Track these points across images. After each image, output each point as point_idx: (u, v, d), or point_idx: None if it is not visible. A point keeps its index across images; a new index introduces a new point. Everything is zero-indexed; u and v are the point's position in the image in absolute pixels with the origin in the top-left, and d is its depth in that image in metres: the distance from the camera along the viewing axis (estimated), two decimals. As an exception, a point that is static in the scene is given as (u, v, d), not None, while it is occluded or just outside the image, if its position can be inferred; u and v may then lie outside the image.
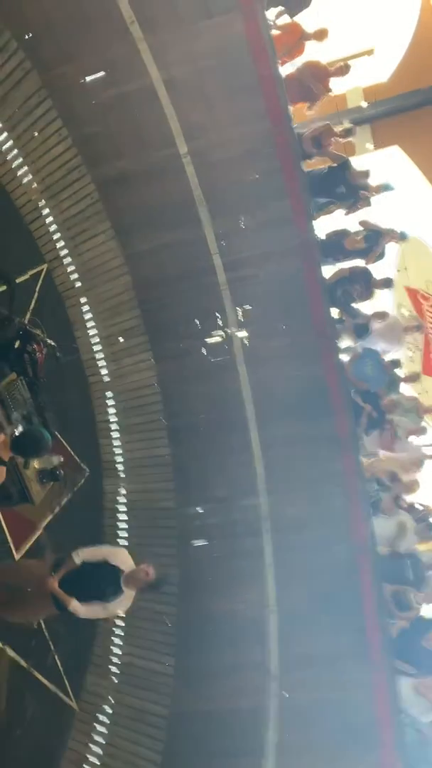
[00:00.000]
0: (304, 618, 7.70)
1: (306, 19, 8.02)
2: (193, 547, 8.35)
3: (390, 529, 8.03)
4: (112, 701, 7.81)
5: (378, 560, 7.61)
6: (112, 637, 8.03)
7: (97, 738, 7.57)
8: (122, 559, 5.62)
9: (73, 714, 7.50)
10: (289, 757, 7.30)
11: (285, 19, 7.90)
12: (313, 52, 8.02)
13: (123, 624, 8.08)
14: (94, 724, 7.61)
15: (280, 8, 7.87)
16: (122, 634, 8.06)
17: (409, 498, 8.44)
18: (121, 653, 8.01)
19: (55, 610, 5.62)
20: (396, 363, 8.60)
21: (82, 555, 5.47)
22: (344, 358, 8.22)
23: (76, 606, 5.41)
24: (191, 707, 7.73)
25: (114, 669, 7.94)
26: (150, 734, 7.71)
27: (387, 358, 8.84)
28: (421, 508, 8.53)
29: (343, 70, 8.10)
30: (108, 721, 7.71)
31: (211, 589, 8.14)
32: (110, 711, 7.77)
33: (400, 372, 8.96)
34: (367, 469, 8.16)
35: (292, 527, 8.02)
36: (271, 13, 7.62)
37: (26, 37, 7.29)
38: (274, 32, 7.58)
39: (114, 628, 8.05)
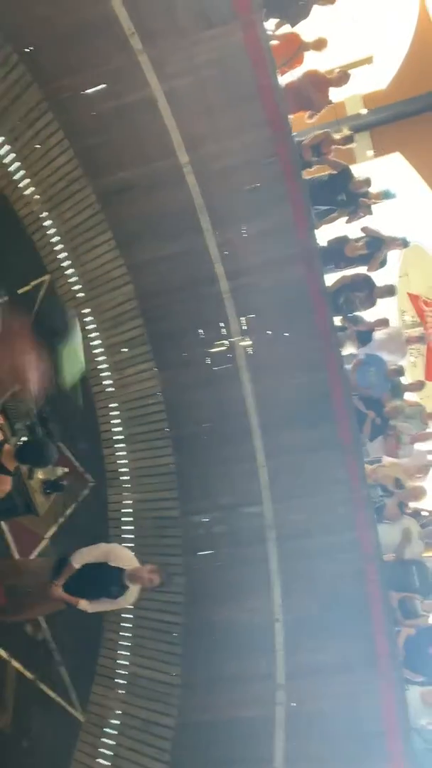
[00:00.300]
0: (310, 626, 7.67)
1: (305, 29, 8.07)
2: (198, 556, 8.33)
3: (395, 535, 8.01)
4: (119, 712, 7.77)
5: (384, 567, 7.58)
6: (118, 648, 8.00)
7: (103, 750, 7.52)
8: (122, 557, 5.64)
9: (80, 726, 7.47)
10: (297, 767, 7.26)
11: (285, 29, 7.94)
12: (312, 62, 8.07)
13: (129, 635, 8.05)
14: (101, 735, 7.57)
15: (280, 19, 7.92)
16: (128, 644, 8.03)
17: (414, 504, 8.42)
18: (127, 664, 7.97)
19: (62, 605, 5.66)
20: (399, 370, 8.60)
21: (80, 559, 5.51)
22: (347, 365, 8.22)
23: (84, 605, 5.55)
24: (198, 717, 7.70)
25: (120, 680, 7.90)
26: (157, 745, 7.67)
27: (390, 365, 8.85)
28: (426, 514, 8.51)
29: (342, 79, 8.15)
30: (114, 733, 7.67)
31: (217, 597, 8.11)
32: (116, 722, 7.73)
33: (404, 379, 8.95)
34: (370, 476, 8.14)
35: (297, 535, 8.00)
36: (270, 24, 7.67)
37: (27, 50, 7.35)
38: (274, 42, 7.62)
39: (120, 640, 8.02)
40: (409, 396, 9.06)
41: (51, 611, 6.29)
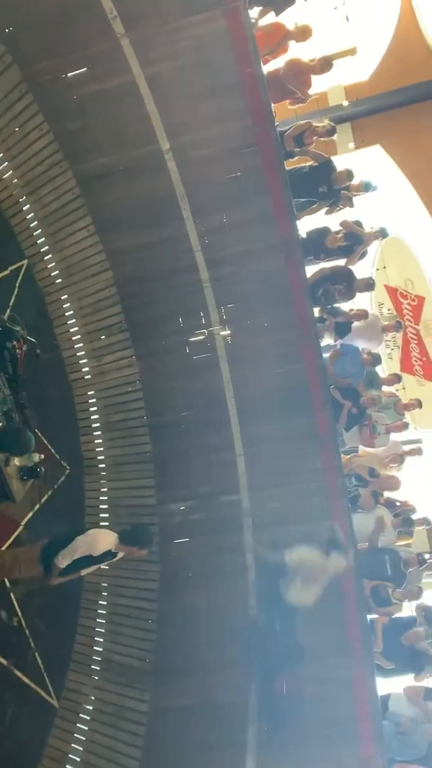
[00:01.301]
0: (284, 614, 7.75)
1: (289, 19, 8.03)
2: (175, 543, 8.36)
3: (368, 524, 8.12)
4: (93, 698, 7.81)
5: (357, 556, 7.69)
6: (93, 635, 8.02)
7: (77, 735, 7.56)
8: (103, 543, 5.69)
9: (54, 712, 7.49)
10: (269, 751, 7.35)
11: (270, 17, 7.90)
12: (296, 52, 8.04)
13: (104, 621, 8.08)
14: (75, 721, 7.60)
15: (264, 6, 7.87)
16: (103, 631, 8.06)
17: (387, 494, 8.53)
18: (102, 650, 8.00)
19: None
20: (377, 358, 8.68)
21: (65, 560, 5.56)
22: (324, 355, 8.27)
23: (85, 571, 5.89)
24: (172, 703, 7.75)
25: (95, 666, 7.93)
26: (130, 730, 7.72)
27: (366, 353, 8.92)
28: (399, 503, 8.63)
29: (324, 66, 8.11)
30: (88, 718, 7.70)
31: (192, 585, 8.16)
32: (91, 708, 7.76)
33: (381, 369, 9.04)
34: (346, 465, 8.24)
35: (273, 523, 8.06)
36: (255, 12, 7.63)
37: (7, 30, 7.22)
38: (258, 31, 7.58)
39: (95, 626, 8.04)
40: (385, 387, 9.16)
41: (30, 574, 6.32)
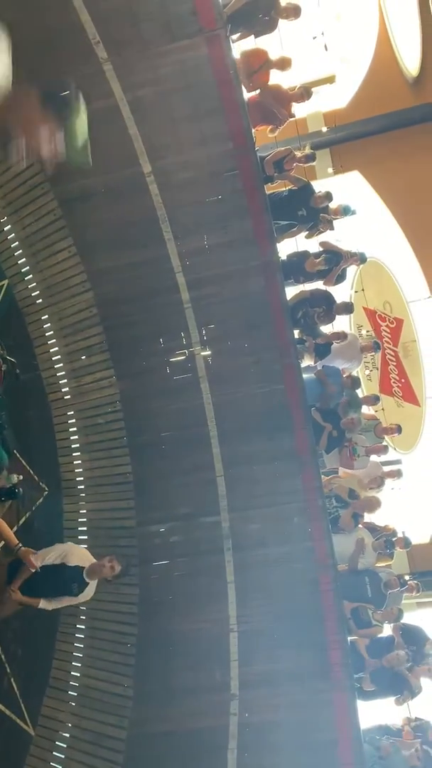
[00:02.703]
0: (264, 636, 7.70)
1: (270, 48, 8.20)
2: (154, 565, 8.29)
3: (348, 546, 8.12)
4: (70, 725, 7.65)
5: (338, 577, 7.68)
6: (71, 660, 7.89)
7: (54, 764, 7.39)
8: (79, 556, 5.65)
9: (30, 739, 7.32)
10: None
11: (249, 40, 8.05)
12: (276, 78, 8.20)
13: (82, 646, 7.95)
14: (51, 749, 7.43)
15: (244, 31, 8.03)
16: (81, 656, 7.92)
17: (367, 516, 8.55)
18: (79, 675, 7.86)
19: (18, 606, 5.64)
20: (356, 381, 8.75)
21: (38, 561, 5.49)
22: (305, 376, 8.32)
23: (45, 604, 5.64)
24: (151, 729, 7.63)
25: (72, 692, 7.78)
26: (108, 758, 7.57)
27: (346, 374, 9.00)
28: (379, 527, 8.65)
29: (304, 95, 8.29)
30: (65, 746, 7.55)
31: (172, 608, 8.08)
32: (68, 735, 7.61)
33: (360, 392, 9.11)
34: (326, 486, 8.25)
35: (253, 545, 8.03)
36: (235, 36, 7.77)
37: (-10, 53, 7.26)
38: (238, 56, 7.73)
39: (72, 651, 7.90)
40: (365, 409, 9.23)
41: (8, 614, 6.22)
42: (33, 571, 5.49)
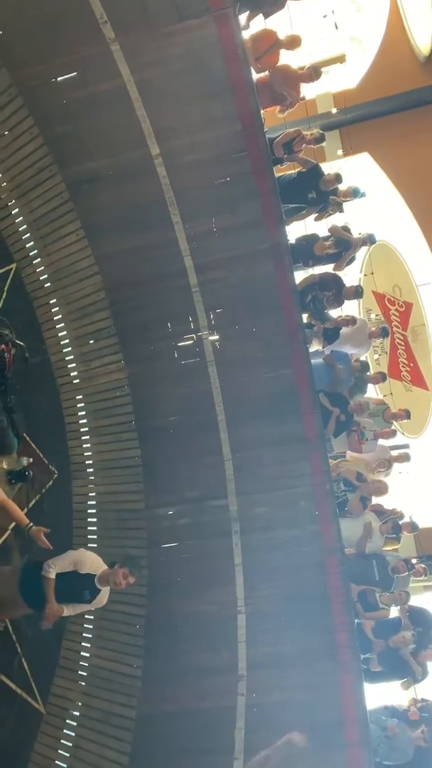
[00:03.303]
0: (272, 618, 7.76)
1: (279, 28, 8.09)
2: (162, 548, 8.35)
3: (356, 529, 8.15)
4: (80, 704, 7.76)
5: (345, 560, 7.71)
6: (80, 640, 7.98)
7: (64, 741, 7.51)
8: (91, 563, 5.64)
9: (41, 717, 7.44)
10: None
11: (259, 21, 7.95)
12: (285, 59, 8.09)
13: (91, 626, 8.04)
14: (62, 727, 7.55)
15: (253, 11, 7.92)
16: (90, 636, 8.02)
17: (375, 500, 8.57)
18: (89, 655, 7.96)
19: (27, 610, 5.67)
20: (365, 365, 8.72)
21: (53, 570, 5.48)
22: (313, 361, 8.30)
23: (68, 611, 5.59)
24: (159, 709, 7.73)
25: (82, 672, 7.89)
26: (117, 736, 7.69)
27: (355, 359, 8.97)
28: (387, 511, 8.67)
29: (313, 74, 8.19)
30: (75, 724, 7.66)
31: (180, 590, 8.15)
32: (77, 714, 7.72)
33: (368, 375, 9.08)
34: (333, 470, 8.27)
35: (261, 528, 8.08)
36: (244, 17, 7.67)
37: (-4, 34, 7.22)
38: (247, 36, 7.63)
39: (82, 632, 8.00)
40: (374, 394, 9.20)
41: (16, 615, 6.29)
42: (53, 578, 5.44)
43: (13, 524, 7.15)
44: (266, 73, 8.02)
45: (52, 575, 5.44)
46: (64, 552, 5.64)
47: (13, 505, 5.54)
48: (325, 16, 10.72)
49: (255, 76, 7.68)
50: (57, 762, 7.37)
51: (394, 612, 8.04)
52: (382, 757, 7.29)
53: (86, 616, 7.96)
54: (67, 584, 5.47)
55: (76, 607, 5.59)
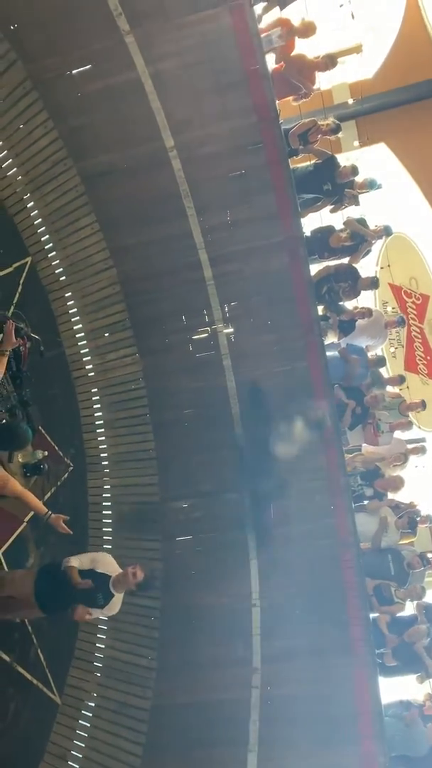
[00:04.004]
0: (286, 611, 7.76)
1: (294, 16, 8.01)
2: (177, 541, 8.37)
3: (372, 524, 8.11)
4: (95, 695, 7.82)
5: (360, 554, 7.68)
6: (96, 632, 8.03)
7: (79, 732, 7.57)
8: (108, 564, 5.66)
9: (56, 708, 7.50)
10: (271, 749, 7.37)
11: (275, 12, 7.87)
12: (300, 48, 8.01)
13: (106, 618, 8.07)
14: (77, 718, 7.61)
15: (269, 2, 7.86)
16: (105, 628, 8.07)
17: (392, 495, 8.51)
18: (104, 647, 8.02)
19: (40, 613, 5.69)
20: (381, 359, 8.66)
21: (75, 561, 5.51)
22: (328, 354, 8.26)
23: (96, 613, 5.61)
24: (174, 701, 7.77)
25: (97, 663, 7.94)
26: (132, 727, 7.74)
27: (371, 353, 8.91)
28: (403, 505, 8.61)
29: (328, 63, 8.09)
30: (91, 715, 7.72)
31: (195, 583, 8.17)
32: (93, 705, 7.78)
33: (384, 370, 9.02)
34: (349, 463, 8.23)
35: (276, 521, 8.06)
36: (259, 7, 7.61)
37: (11, 27, 7.22)
38: (263, 27, 7.57)
39: (97, 623, 8.04)
40: (389, 387, 9.14)
41: (30, 617, 6.32)
42: (75, 567, 5.48)
43: (29, 517, 7.21)
44: (281, 63, 7.94)
45: (73, 563, 5.50)
46: (84, 551, 5.68)
47: (30, 495, 5.57)
48: (341, 6, 10.59)
49: (270, 66, 7.61)
50: (72, 752, 7.43)
51: (410, 608, 8.00)
52: (398, 745, 7.27)
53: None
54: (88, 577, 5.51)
55: (92, 611, 5.58)
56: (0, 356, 5.32)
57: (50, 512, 5.45)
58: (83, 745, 7.53)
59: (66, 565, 5.51)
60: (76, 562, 5.56)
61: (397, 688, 7.99)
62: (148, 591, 5.78)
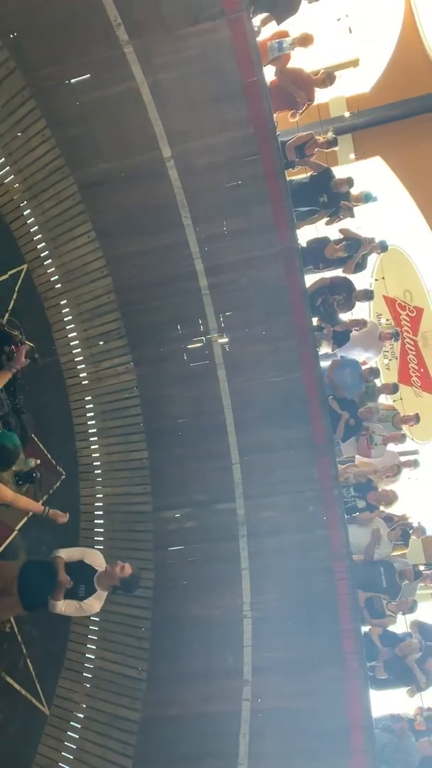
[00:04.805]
0: (278, 623, 7.72)
1: (292, 28, 8.08)
2: (169, 551, 8.33)
3: (364, 536, 8.10)
4: (84, 706, 7.75)
5: (353, 566, 7.67)
6: (85, 642, 7.97)
7: (67, 743, 7.50)
8: (96, 559, 5.66)
9: (45, 719, 7.43)
10: (260, 762, 7.31)
11: (272, 26, 7.94)
12: (299, 60, 8.09)
13: (96, 628, 8.03)
14: (66, 729, 7.54)
15: (267, 14, 7.92)
16: (95, 638, 8.01)
17: (384, 508, 8.50)
18: (93, 657, 7.95)
19: (21, 611, 5.66)
20: (375, 372, 8.68)
21: (63, 553, 5.53)
22: (323, 364, 8.27)
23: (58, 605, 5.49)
24: (164, 712, 7.70)
25: (86, 674, 7.87)
26: (121, 739, 7.66)
27: (366, 365, 8.93)
28: (396, 517, 8.61)
29: (327, 80, 8.18)
30: (79, 726, 7.64)
31: (186, 593, 8.13)
32: (82, 716, 7.70)
33: (379, 381, 9.04)
34: (341, 474, 8.22)
35: (268, 532, 8.04)
36: (257, 20, 7.67)
37: (11, 35, 7.25)
38: (261, 38, 7.62)
39: (87, 633, 7.99)
40: (383, 399, 9.15)
41: (9, 614, 6.27)
42: (62, 558, 5.48)
43: (21, 524, 7.18)
44: (279, 75, 8.00)
45: (62, 554, 5.53)
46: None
47: (22, 498, 5.60)
48: (339, 20, 10.70)
49: (268, 78, 7.66)
50: (60, 764, 7.35)
51: (402, 621, 7.98)
52: (389, 758, 7.22)
53: (91, 617, 7.96)
54: (68, 574, 5.49)
55: (69, 603, 5.52)
56: (6, 372, 5.54)
57: (47, 507, 5.56)
58: (71, 756, 7.45)
59: (54, 555, 5.51)
60: (64, 554, 5.57)
61: (387, 702, 7.95)
62: (131, 591, 5.70)
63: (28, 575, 5.61)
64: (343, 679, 7.32)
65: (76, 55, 7.35)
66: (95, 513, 8.40)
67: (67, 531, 8.02)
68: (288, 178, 7.93)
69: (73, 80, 7.49)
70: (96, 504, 8.43)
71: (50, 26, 7.19)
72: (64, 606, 5.47)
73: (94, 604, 5.56)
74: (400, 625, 8.06)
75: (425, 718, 7.64)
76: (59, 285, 8.29)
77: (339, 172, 8.83)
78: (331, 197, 8.23)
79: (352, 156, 11.36)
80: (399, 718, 7.68)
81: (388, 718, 7.67)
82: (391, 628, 7.85)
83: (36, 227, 8.08)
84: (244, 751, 7.30)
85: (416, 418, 9.08)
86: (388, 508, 8.39)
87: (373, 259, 10.47)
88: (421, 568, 8.59)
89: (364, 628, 7.64)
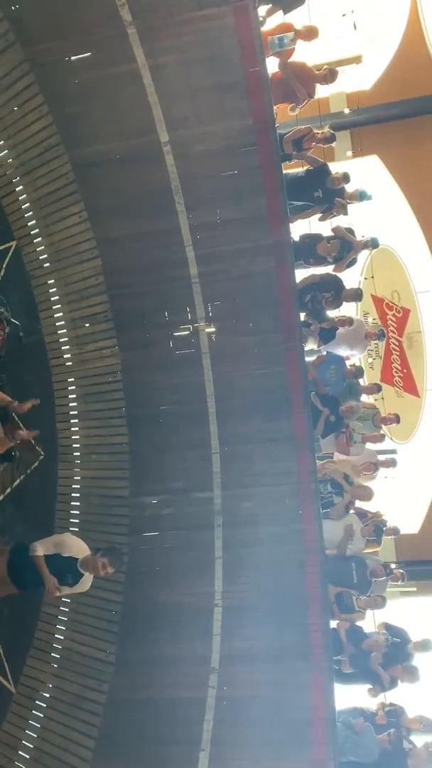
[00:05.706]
0: (248, 613, 7.78)
1: (297, 20, 8.03)
2: (144, 536, 8.35)
3: (338, 532, 8.17)
4: (51, 686, 7.77)
5: (325, 561, 7.74)
6: (56, 623, 7.98)
7: (32, 722, 7.52)
8: (73, 545, 5.67)
9: (11, 697, 7.44)
10: (223, 749, 7.39)
11: (278, 17, 7.89)
12: (302, 54, 8.05)
13: (67, 609, 8.04)
14: (31, 708, 7.56)
15: (272, 5, 7.87)
16: (65, 619, 8.02)
17: (358, 503, 8.58)
18: (63, 638, 7.97)
19: (14, 589, 5.70)
20: (359, 370, 8.73)
21: (40, 548, 5.54)
22: (307, 359, 8.30)
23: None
24: (130, 696, 7.75)
25: (55, 654, 7.89)
26: (86, 720, 7.71)
27: (350, 363, 8.98)
28: (370, 514, 8.69)
29: (328, 77, 8.16)
30: (45, 706, 7.67)
31: (158, 579, 8.16)
32: (48, 695, 7.73)
33: (362, 381, 9.10)
34: (319, 470, 8.27)
35: (244, 523, 8.09)
36: (263, 10, 7.62)
37: (12, 8, 7.13)
38: (265, 29, 7.57)
39: (58, 614, 8.00)
40: (365, 398, 9.21)
41: (1, 595, 6.29)
42: (41, 556, 5.54)
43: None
44: (281, 67, 7.96)
45: (39, 552, 5.57)
46: (49, 535, 5.73)
47: None
48: (344, 15, 10.65)
49: (270, 70, 7.62)
50: (24, 742, 7.38)
51: (370, 618, 8.08)
52: (348, 753, 7.34)
53: (62, 599, 7.96)
54: (50, 567, 5.52)
55: (63, 590, 5.63)
56: None
57: (14, 400, 5.84)
58: (35, 735, 7.49)
59: (33, 555, 5.55)
60: (41, 550, 5.60)
61: (352, 695, 8.06)
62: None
63: (16, 564, 5.67)
64: (309, 671, 7.40)
65: (78, 32, 7.25)
66: (72, 495, 8.39)
67: (43, 511, 8.03)
68: (284, 171, 7.90)
69: (73, 57, 7.39)
70: (73, 486, 8.41)
71: (53, 1, 7.09)
72: (61, 593, 5.66)
73: (86, 584, 5.75)
74: (368, 622, 8.15)
75: (386, 712, 7.75)
76: (48, 264, 8.21)
77: (335, 168, 8.82)
78: (326, 193, 8.23)
79: (349, 153, 11.35)
80: (361, 712, 7.79)
81: (350, 711, 7.78)
82: (359, 623, 7.95)
83: (27, 204, 7.99)
84: (207, 737, 7.38)
85: (397, 419, 9.16)
86: (365, 503, 8.48)
87: (363, 258, 10.50)
88: (393, 566, 8.70)
89: (333, 623, 7.72)
